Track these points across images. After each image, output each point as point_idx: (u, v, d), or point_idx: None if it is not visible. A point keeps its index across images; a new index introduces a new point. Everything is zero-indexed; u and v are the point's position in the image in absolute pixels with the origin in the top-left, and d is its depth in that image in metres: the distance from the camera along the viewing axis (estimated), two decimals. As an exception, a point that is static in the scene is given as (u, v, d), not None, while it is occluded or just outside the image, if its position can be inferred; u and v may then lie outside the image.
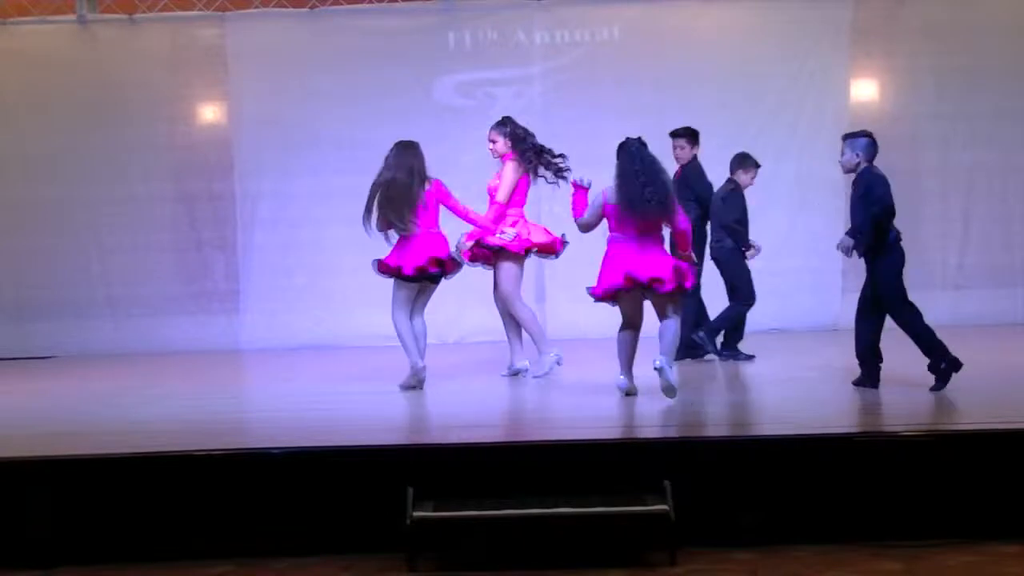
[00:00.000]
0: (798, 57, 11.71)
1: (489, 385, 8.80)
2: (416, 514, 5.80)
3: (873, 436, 6.36)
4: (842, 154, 8.04)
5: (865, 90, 12.05)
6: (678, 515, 5.74)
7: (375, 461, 6.20)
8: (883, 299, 7.83)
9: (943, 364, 7.74)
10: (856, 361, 7.97)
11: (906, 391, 7.95)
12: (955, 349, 9.97)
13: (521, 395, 8.55)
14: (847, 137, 8.06)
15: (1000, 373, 8.58)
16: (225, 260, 12.09)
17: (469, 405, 7.92)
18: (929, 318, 11.43)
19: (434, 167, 11.77)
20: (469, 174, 11.90)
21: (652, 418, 7.30)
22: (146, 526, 6.09)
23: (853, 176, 8.00)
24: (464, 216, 8.71)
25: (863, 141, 8.01)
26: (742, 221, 9.49)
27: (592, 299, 7.90)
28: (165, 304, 12.02)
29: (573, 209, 8.01)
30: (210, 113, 12.25)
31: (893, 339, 9.84)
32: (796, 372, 8.94)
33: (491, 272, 9.09)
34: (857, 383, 7.86)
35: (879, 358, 7.90)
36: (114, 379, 10.02)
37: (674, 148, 9.70)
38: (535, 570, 5.76)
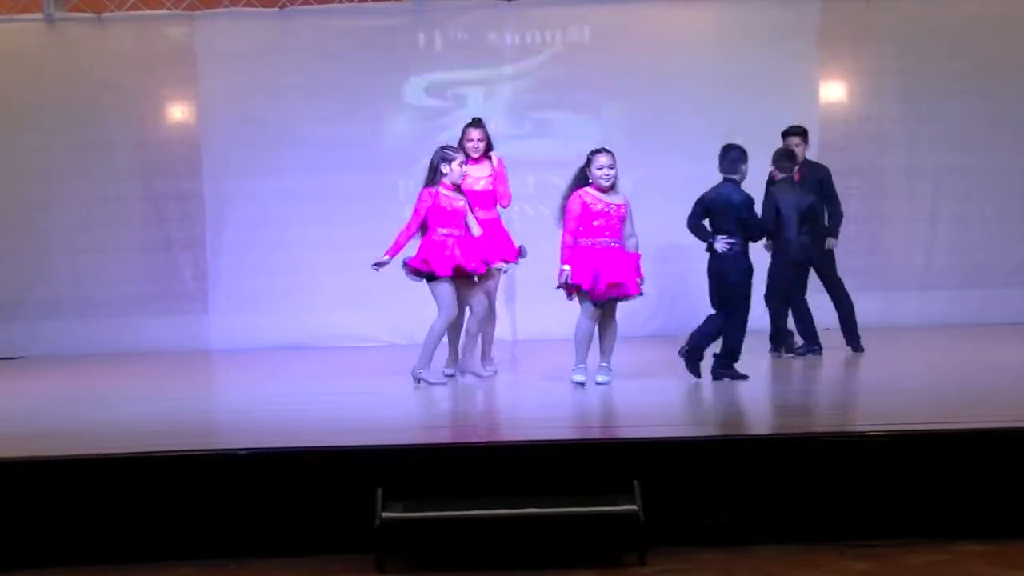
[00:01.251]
0: (767, 59, 11.74)
1: (458, 386, 8.80)
2: (385, 515, 5.80)
3: (840, 436, 6.40)
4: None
5: (833, 92, 12.10)
6: (647, 515, 5.76)
7: (344, 462, 6.19)
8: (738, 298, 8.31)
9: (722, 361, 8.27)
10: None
11: (874, 392, 8.01)
12: (921, 349, 10.11)
13: (490, 396, 8.57)
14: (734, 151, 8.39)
15: (965, 374, 8.65)
16: (194, 260, 12.04)
17: (438, 406, 7.93)
18: (895, 319, 11.63)
19: (403, 167, 11.87)
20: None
21: (622, 418, 7.34)
22: (110, 527, 6.06)
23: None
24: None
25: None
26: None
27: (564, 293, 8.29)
28: (134, 304, 11.95)
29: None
30: (179, 112, 12.19)
31: (866, 340, 9.94)
32: (763, 373, 8.98)
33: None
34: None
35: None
36: (81, 380, 9.97)
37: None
38: (504, 571, 5.77)
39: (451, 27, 11.95)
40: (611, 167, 8.27)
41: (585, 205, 8.25)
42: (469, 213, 8.70)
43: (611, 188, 8.31)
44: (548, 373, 8.97)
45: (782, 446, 6.25)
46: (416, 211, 8.70)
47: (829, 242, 9.90)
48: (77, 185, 11.89)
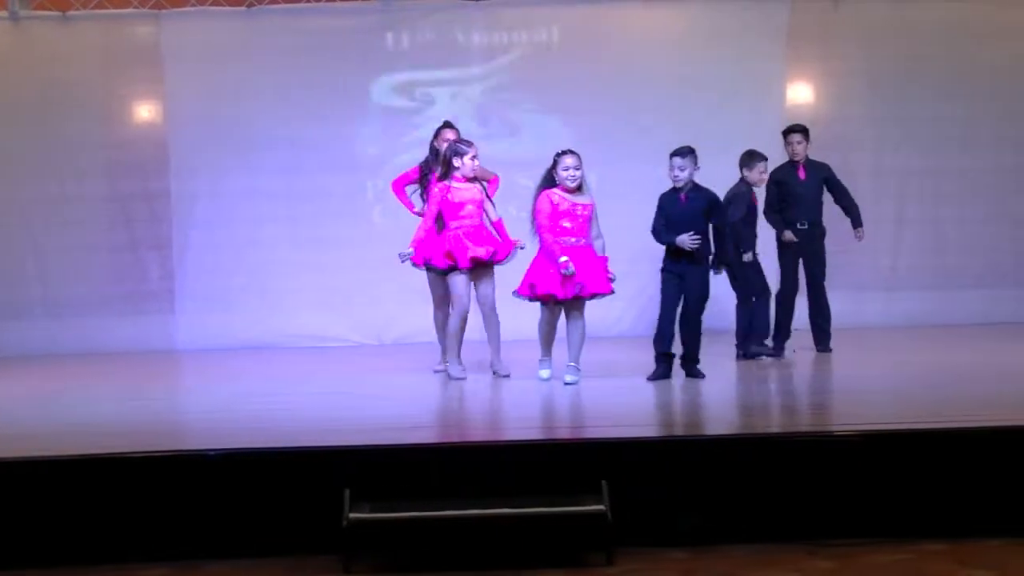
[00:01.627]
0: (735, 59, 11.78)
1: (426, 386, 8.80)
2: (353, 515, 5.79)
3: (807, 436, 6.42)
4: (681, 169, 8.42)
5: (801, 93, 12.16)
6: (615, 515, 5.77)
7: (312, 462, 6.17)
8: (699, 303, 8.45)
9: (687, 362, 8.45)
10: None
11: (839, 392, 8.06)
12: (886, 350, 10.18)
13: (458, 396, 8.56)
14: (686, 153, 8.41)
15: (930, 374, 8.71)
16: (161, 260, 11.98)
17: (406, 406, 7.92)
18: (862, 319, 11.70)
19: (371, 167, 11.87)
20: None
21: (590, 419, 7.35)
22: (78, 529, 6.02)
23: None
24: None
25: (695, 156, 8.44)
26: (748, 221, 9.50)
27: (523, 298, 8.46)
28: (100, 304, 11.89)
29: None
30: (146, 111, 12.14)
31: (832, 340, 9.99)
32: (731, 373, 9.01)
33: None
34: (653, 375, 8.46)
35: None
36: (48, 380, 9.90)
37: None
38: (472, 571, 5.76)
39: (419, 27, 11.95)
40: (577, 168, 8.33)
41: (553, 205, 8.30)
42: (487, 200, 8.86)
43: (577, 189, 8.36)
44: (518, 373, 8.98)
45: (749, 446, 6.27)
46: (429, 206, 8.86)
47: (858, 233, 10.01)
48: (43, 185, 11.83)
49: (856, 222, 10.02)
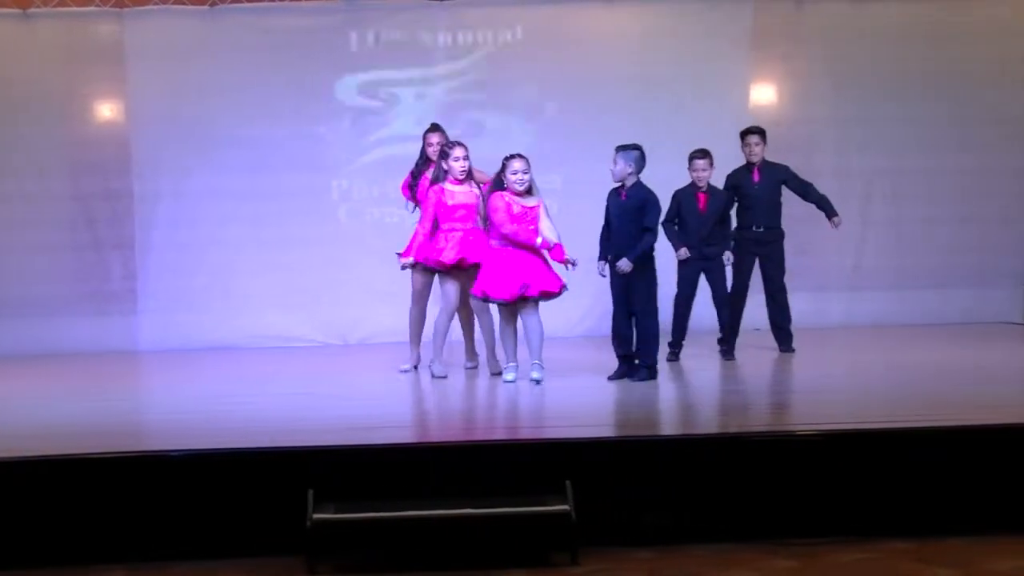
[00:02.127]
0: (698, 60, 11.82)
1: (391, 387, 8.78)
2: (316, 516, 5.76)
3: (770, 436, 6.44)
4: (615, 163, 8.46)
5: (764, 93, 12.20)
6: (579, 515, 5.77)
7: (275, 463, 6.15)
8: (643, 310, 8.41)
9: (650, 364, 8.38)
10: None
11: (802, 392, 8.09)
12: (850, 350, 10.23)
13: (422, 396, 8.56)
14: (621, 149, 8.47)
15: (893, 374, 8.76)
16: (123, 260, 11.89)
17: (370, 407, 7.89)
18: (825, 319, 11.77)
19: (335, 167, 11.83)
20: (371, 173, 11.92)
21: (554, 419, 7.35)
22: (39, 531, 5.98)
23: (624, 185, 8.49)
24: None
25: (635, 153, 8.44)
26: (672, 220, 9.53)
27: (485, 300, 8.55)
28: (61, 305, 11.79)
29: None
30: (108, 110, 12.05)
31: (795, 340, 10.03)
32: (694, 373, 9.03)
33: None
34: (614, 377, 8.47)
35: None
36: (7, 381, 9.81)
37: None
38: (436, 571, 5.76)
39: (383, 26, 11.91)
40: (525, 172, 8.44)
41: (508, 206, 8.35)
42: (482, 204, 8.81)
43: (526, 192, 8.44)
44: (481, 373, 8.97)
45: (713, 446, 6.29)
46: (424, 209, 8.93)
47: (835, 221, 9.98)
48: (3, 184, 11.72)
49: (830, 212, 10.01)
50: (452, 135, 9.44)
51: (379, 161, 11.80)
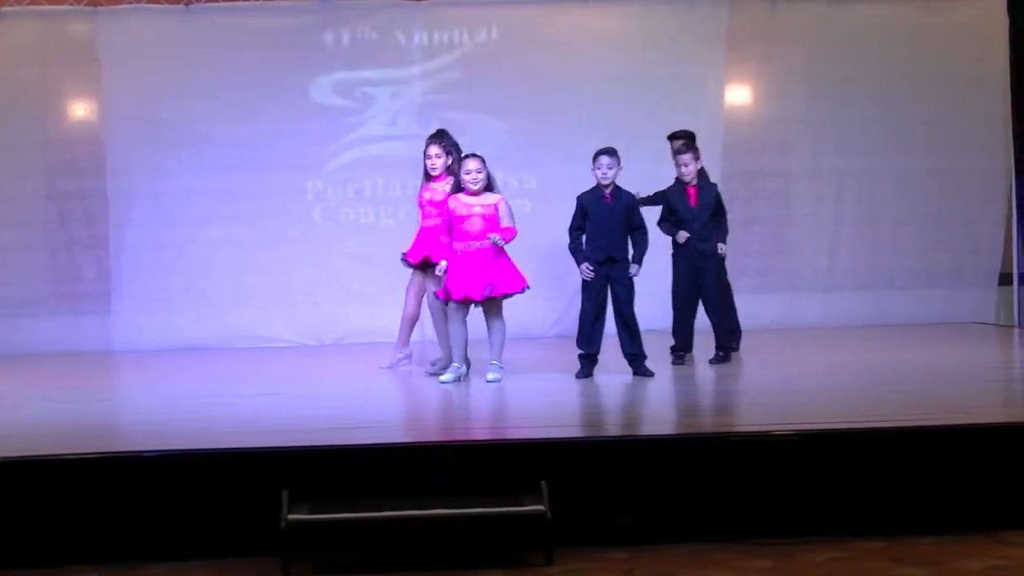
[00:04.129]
0: (674, 61, 11.85)
1: (365, 387, 8.77)
2: (291, 517, 5.75)
3: (744, 436, 6.45)
4: (609, 168, 8.51)
5: (739, 95, 12.24)
6: (554, 515, 5.78)
7: (249, 463, 6.13)
8: (626, 308, 8.52)
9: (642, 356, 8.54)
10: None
11: (776, 392, 8.11)
12: (824, 350, 10.27)
13: (397, 397, 8.55)
14: (609, 153, 8.52)
15: (865, 374, 8.79)
16: (97, 260, 11.84)
17: (345, 407, 7.88)
18: (799, 319, 11.82)
19: (310, 167, 11.80)
20: (346, 174, 11.91)
21: (529, 419, 7.35)
22: (11, 532, 5.94)
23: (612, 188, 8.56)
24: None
25: (618, 155, 8.52)
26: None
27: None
28: (35, 304, 11.73)
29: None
30: (82, 110, 11.99)
31: (770, 340, 10.06)
32: (668, 374, 9.04)
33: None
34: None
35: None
36: (-20, 381, 9.76)
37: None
38: (412, 572, 5.76)
39: (359, 26, 11.89)
40: (480, 171, 8.45)
41: (451, 212, 8.47)
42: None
43: (481, 191, 8.47)
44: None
45: (688, 446, 6.30)
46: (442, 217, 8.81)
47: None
48: (-25, 184, 11.66)
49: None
50: (427, 134, 9.44)
51: (354, 161, 11.79)
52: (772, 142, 11.90)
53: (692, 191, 9.24)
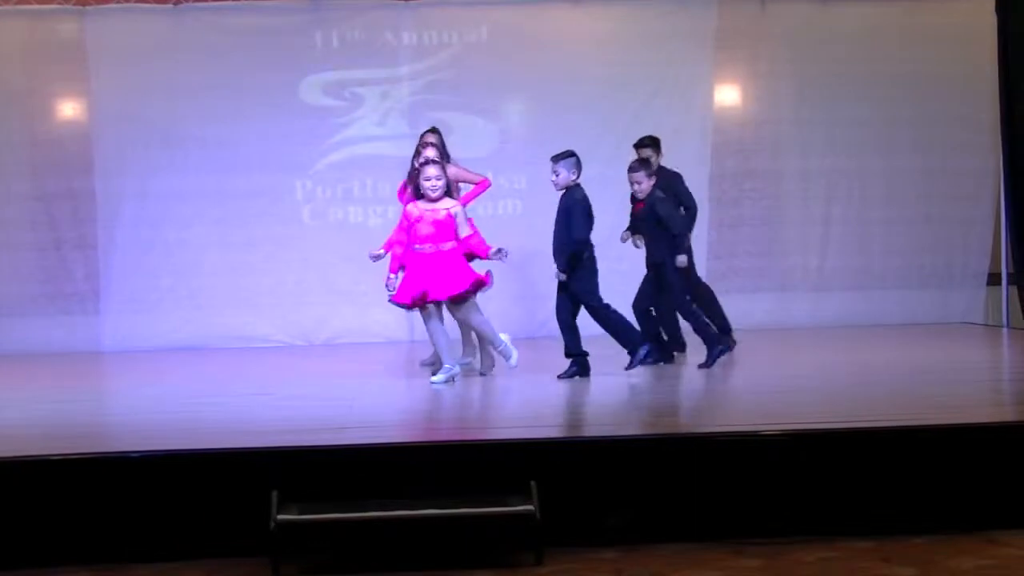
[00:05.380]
0: (663, 62, 11.86)
1: (355, 387, 8.76)
2: (280, 517, 5.73)
3: (733, 436, 6.45)
4: (556, 174, 8.56)
5: (729, 96, 12.25)
6: (544, 515, 5.77)
7: (239, 464, 6.11)
8: (586, 308, 8.61)
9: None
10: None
11: (766, 392, 8.12)
12: (814, 350, 10.26)
13: (386, 397, 8.54)
14: (559, 158, 8.56)
15: (856, 374, 8.81)
16: (85, 260, 11.81)
17: (335, 408, 7.87)
18: (790, 319, 11.83)
19: (300, 167, 11.79)
20: (335, 174, 11.90)
21: (519, 419, 7.35)
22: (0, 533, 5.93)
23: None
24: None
25: (573, 160, 8.56)
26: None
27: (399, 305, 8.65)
28: (23, 304, 11.71)
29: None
30: (70, 109, 11.96)
31: (760, 340, 10.07)
32: (655, 374, 9.04)
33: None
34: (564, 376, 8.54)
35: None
36: (-32, 382, 9.74)
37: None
38: (401, 572, 5.75)
39: (348, 26, 11.88)
40: (439, 178, 8.52)
41: (411, 214, 8.54)
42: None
43: (438, 198, 8.52)
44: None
45: (677, 445, 6.29)
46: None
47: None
48: (-37, 184, 11.63)
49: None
50: (417, 135, 9.43)
51: (343, 161, 11.78)
52: (762, 142, 11.91)
53: (639, 206, 9.20)
